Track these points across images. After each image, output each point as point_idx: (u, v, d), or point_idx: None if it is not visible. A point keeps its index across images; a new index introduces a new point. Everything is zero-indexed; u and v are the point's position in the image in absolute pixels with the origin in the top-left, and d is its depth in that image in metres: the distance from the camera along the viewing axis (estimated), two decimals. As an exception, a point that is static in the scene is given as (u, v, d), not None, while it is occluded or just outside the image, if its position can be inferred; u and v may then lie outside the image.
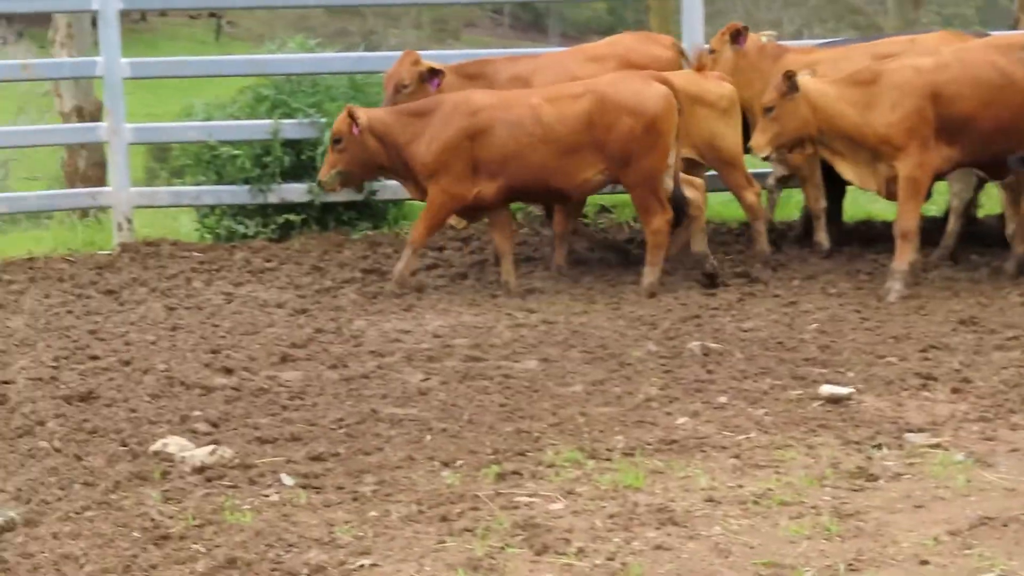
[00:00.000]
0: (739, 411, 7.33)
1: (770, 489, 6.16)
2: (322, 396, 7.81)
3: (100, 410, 7.63)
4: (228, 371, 8.29)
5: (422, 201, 10.38)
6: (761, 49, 10.79)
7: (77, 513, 6.16)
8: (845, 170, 9.88)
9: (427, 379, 8.05)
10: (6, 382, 8.14)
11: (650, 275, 10.00)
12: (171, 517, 6.07)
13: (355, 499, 6.25)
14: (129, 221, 12.02)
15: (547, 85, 10.33)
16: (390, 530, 5.87)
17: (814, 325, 9.00)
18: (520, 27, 68.51)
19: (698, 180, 10.46)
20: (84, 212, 14.79)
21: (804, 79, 9.65)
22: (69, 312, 9.94)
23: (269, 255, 11.40)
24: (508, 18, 69.90)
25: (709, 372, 8.04)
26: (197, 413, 7.51)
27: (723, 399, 7.54)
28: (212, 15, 67.23)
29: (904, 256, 9.67)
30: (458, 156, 9.94)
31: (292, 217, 12.00)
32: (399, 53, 10.89)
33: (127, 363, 8.52)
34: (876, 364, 8.11)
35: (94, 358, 8.67)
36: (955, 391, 7.56)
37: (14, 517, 6.07)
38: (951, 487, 6.14)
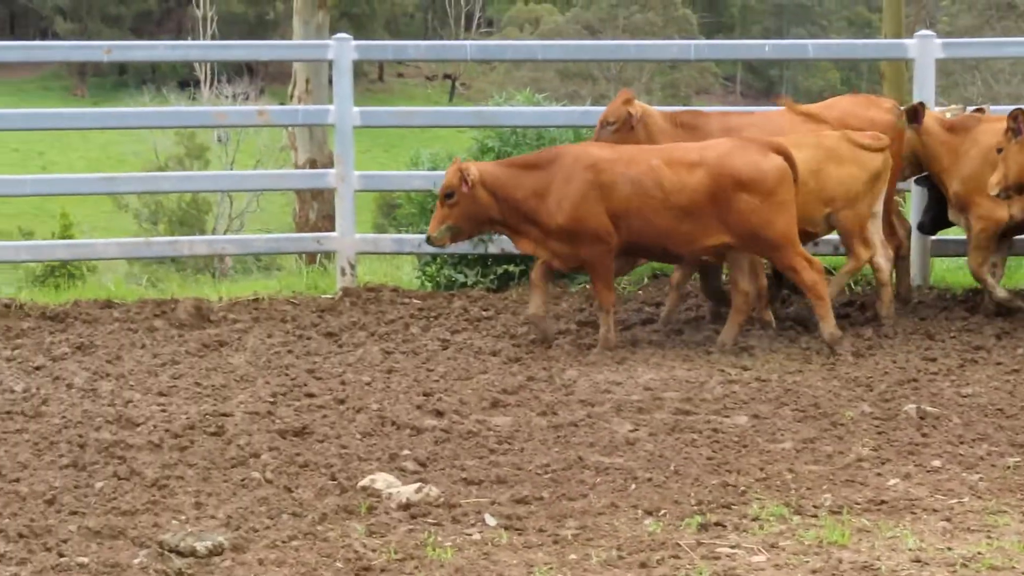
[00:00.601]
0: (953, 475, 7.17)
1: (980, 553, 6.00)
2: (530, 442, 7.84)
3: (312, 445, 7.78)
4: (439, 414, 8.38)
5: (534, 255, 10.27)
6: (946, 123, 10.67)
7: (284, 542, 6.29)
8: None
9: (635, 430, 8.03)
10: (225, 415, 8.35)
11: (826, 327, 9.88)
12: (374, 550, 6.16)
13: (555, 542, 6.26)
14: (352, 266, 12.23)
15: None
16: (588, 573, 5.88)
17: (1036, 393, 8.76)
18: (751, 95, 68.43)
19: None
20: (311, 259, 15.13)
21: None
22: (289, 352, 10.15)
23: (486, 304, 11.49)
24: (740, 85, 69.81)
25: (924, 435, 7.87)
26: (406, 452, 7.61)
27: (937, 463, 7.38)
28: (447, 76, 68.55)
29: None
30: (590, 209, 9.84)
31: (511, 268, 12.10)
32: None
33: (342, 402, 8.67)
34: (1100, 435, 7.86)
35: (310, 396, 8.84)
36: None
37: (223, 542, 6.21)
38: None
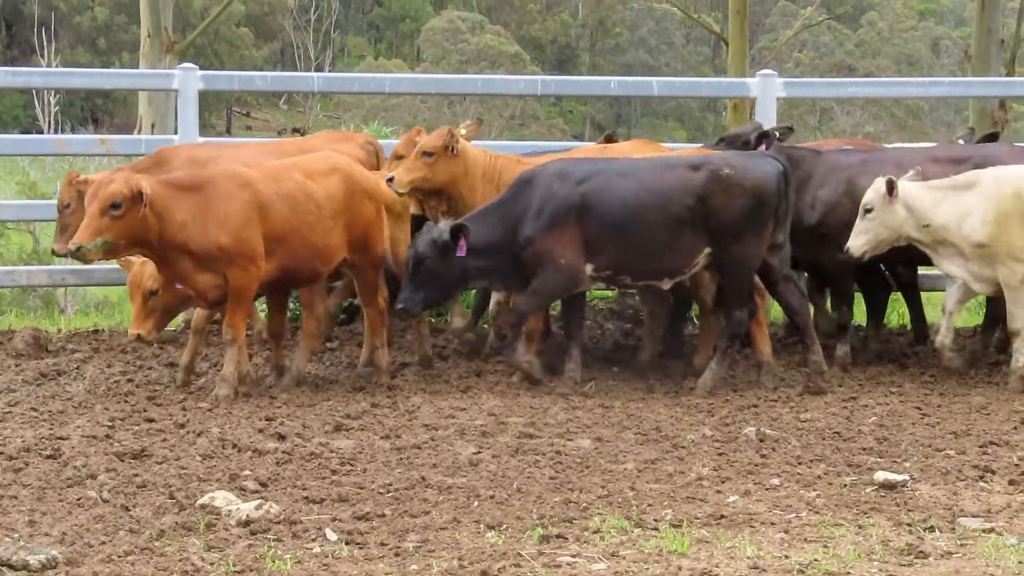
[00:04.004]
0: (791, 493, 7.25)
1: (816, 560, 6.08)
2: (373, 463, 7.79)
3: (151, 467, 7.66)
4: (281, 437, 8.29)
5: (178, 284, 9.31)
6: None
7: (120, 556, 6.18)
8: None
9: (478, 452, 8.01)
10: (61, 438, 8.19)
11: (380, 356, 10.07)
12: (212, 564, 6.08)
13: (397, 554, 6.23)
14: (195, 299, 12.06)
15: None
16: (429, 581, 5.84)
17: (873, 419, 8.90)
18: (599, 152, 68.75)
19: None
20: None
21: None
22: (129, 381, 9.99)
23: (331, 336, 11.41)
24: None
25: (763, 456, 7.97)
26: (247, 473, 7.51)
27: (776, 481, 7.46)
28: (296, 130, 68.40)
29: None
30: (251, 231, 9.26)
31: (356, 301, 12.00)
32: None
33: (182, 426, 8.55)
34: (934, 456, 8.00)
35: (150, 420, 8.70)
36: (1012, 483, 7.45)
37: (56, 556, 6.08)
38: (1001, 567, 6.03)
